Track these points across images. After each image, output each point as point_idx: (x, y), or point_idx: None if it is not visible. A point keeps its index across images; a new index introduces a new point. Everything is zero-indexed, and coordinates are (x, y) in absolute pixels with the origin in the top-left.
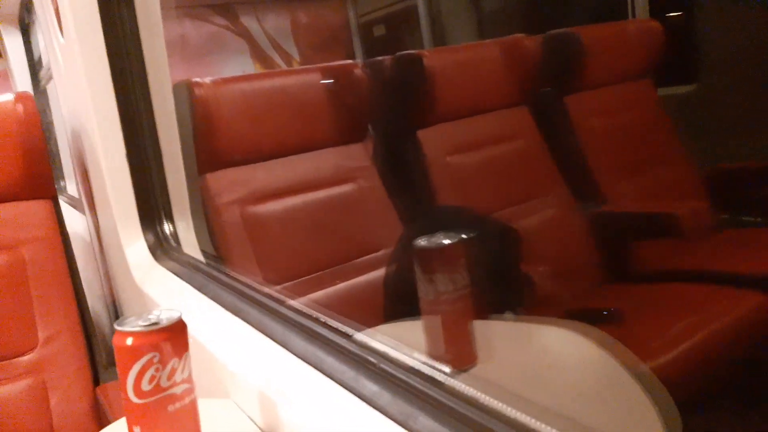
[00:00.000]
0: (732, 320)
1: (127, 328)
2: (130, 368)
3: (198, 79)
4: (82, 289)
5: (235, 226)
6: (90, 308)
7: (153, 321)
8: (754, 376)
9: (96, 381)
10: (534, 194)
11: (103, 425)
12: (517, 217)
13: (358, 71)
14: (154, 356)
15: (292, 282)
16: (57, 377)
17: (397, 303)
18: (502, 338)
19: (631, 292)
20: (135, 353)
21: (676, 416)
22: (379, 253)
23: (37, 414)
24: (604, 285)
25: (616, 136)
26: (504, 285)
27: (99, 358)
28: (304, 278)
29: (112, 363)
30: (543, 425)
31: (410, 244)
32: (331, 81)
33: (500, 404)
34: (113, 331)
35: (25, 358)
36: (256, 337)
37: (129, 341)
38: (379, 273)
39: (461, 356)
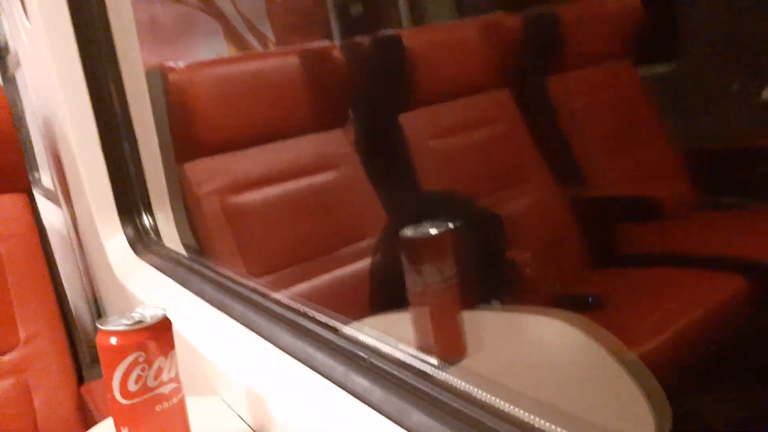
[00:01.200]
0: (716, 304)
1: (110, 327)
2: (115, 368)
3: (171, 64)
4: (62, 285)
5: (216, 216)
6: (71, 304)
7: (137, 319)
8: (740, 360)
9: (80, 379)
10: (517, 179)
11: (88, 424)
12: (500, 202)
13: (336, 53)
14: (140, 356)
15: (275, 274)
16: (40, 376)
17: (383, 294)
18: (490, 329)
19: (615, 277)
20: (120, 353)
21: (665, 402)
22: (363, 242)
23: (21, 414)
24: (588, 270)
25: (596, 117)
26: (490, 273)
27: (82, 355)
28: (287, 269)
29: (95, 360)
30: (535, 417)
31: (395, 233)
32: (309, 64)
33: (493, 398)
34: (96, 327)
35: (6, 357)
36: (243, 333)
37: (113, 341)
38: (364, 263)
39: (450, 348)
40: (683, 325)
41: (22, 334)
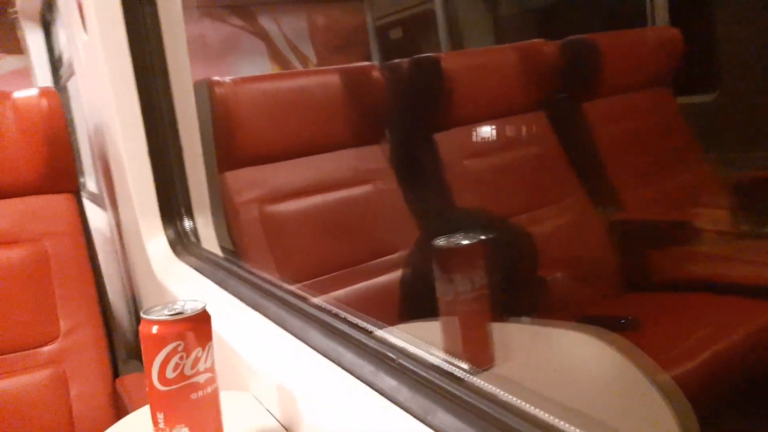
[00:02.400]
0: (751, 331)
1: (153, 317)
2: (155, 356)
3: (218, 78)
4: (103, 283)
5: (253, 224)
6: (111, 302)
7: (178, 311)
8: None
9: (116, 373)
10: (551, 200)
11: (121, 416)
12: (533, 222)
13: (376, 73)
14: (179, 345)
15: (308, 281)
16: (77, 368)
17: (412, 304)
18: (519, 341)
19: (648, 301)
20: (160, 341)
21: (696, 426)
22: (395, 255)
23: (57, 403)
24: (620, 293)
25: (634, 143)
26: (520, 289)
27: (118, 351)
28: (319, 278)
29: (131, 356)
30: (563, 423)
31: (428, 245)
32: (350, 82)
33: (520, 401)
34: (133, 325)
35: (47, 348)
36: (276, 332)
37: (155, 329)
38: (395, 275)
39: (478, 357)
40: (716, 351)
41: (62, 327)
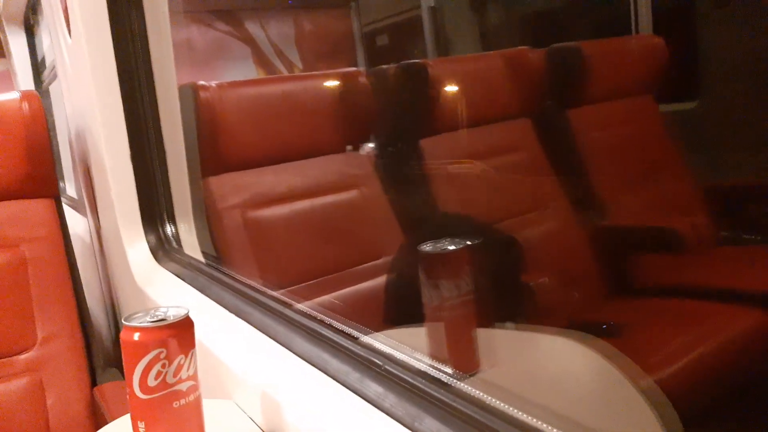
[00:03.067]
0: (732, 336)
1: (134, 324)
2: (136, 363)
3: (203, 82)
4: (82, 290)
5: (237, 230)
6: (89, 309)
7: (160, 317)
8: (755, 393)
9: (93, 382)
10: (534, 206)
11: (100, 425)
12: (517, 228)
13: (362, 79)
14: (161, 352)
15: (292, 287)
16: (54, 376)
17: (397, 310)
18: (504, 346)
19: (630, 306)
20: (142, 348)
21: (680, 428)
22: (379, 261)
23: (34, 412)
24: (602, 298)
25: (617, 150)
26: (505, 295)
27: (96, 359)
28: (303, 284)
29: (109, 364)
30: (549, 427)
31: (412, 251)
32: (336, 87)
33: (507, 406)
34: (111, 333)
35: (23, 356)
36: (259, 339)
37: (136, 336)
38: (379, 281)
39: (464, 363)
40: (698, 356)
41: (39, 335)
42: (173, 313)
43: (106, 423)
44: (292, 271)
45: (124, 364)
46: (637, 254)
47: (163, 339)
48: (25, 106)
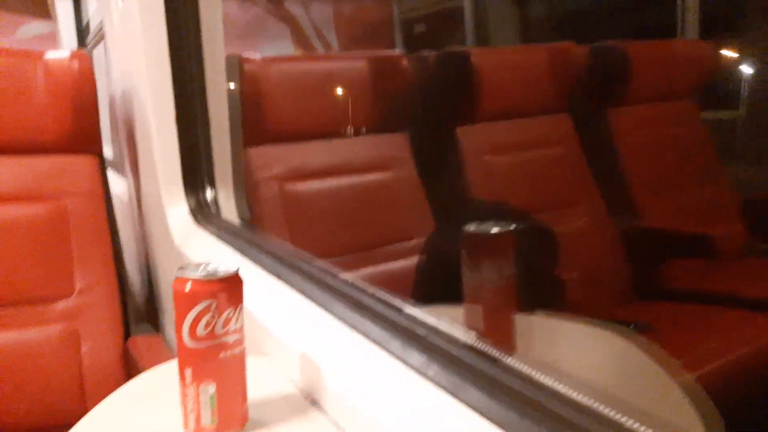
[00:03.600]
0: (761, 346)
1: (187, 275)
2: (187, 313)
3: (249, 55)
4: (120, 246)
5: (273, 200)
6: (125, 265)
7: (211, 271)
8: None
9: (127, 334)
10: (568, 202)
11: (132, 376)
12: (551, 221)
13: (404, 62)
14: (212, 303)
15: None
16: (89, 326)
17: (429, 290)
18: (541, 333)
19: (658, 309)
20: (193, 299)
21: (720, 426)
22: (410, 242)
23: (68, 359)
24: (631, 300)
25: (656, 153)
26: (539, 283)
27: (130, 314)
28: (334, 259)
29: (142, 319)
30: (597, 404)
31: (448, 233)
32: (378, 69)
33: (553, 381)
34: (145, 289)
35: (60, 304)
36: (299, 301)
37: (188, 287)
38: (409, 262)
39: (500, 345)
40: (725, 362)
41: (77, 285)
42: (224, 269)
43: (139, 373)
44: (323, 246)
45: (175, 313)
46: (669, 258)
47: (213, 291)
48: (75, 64)
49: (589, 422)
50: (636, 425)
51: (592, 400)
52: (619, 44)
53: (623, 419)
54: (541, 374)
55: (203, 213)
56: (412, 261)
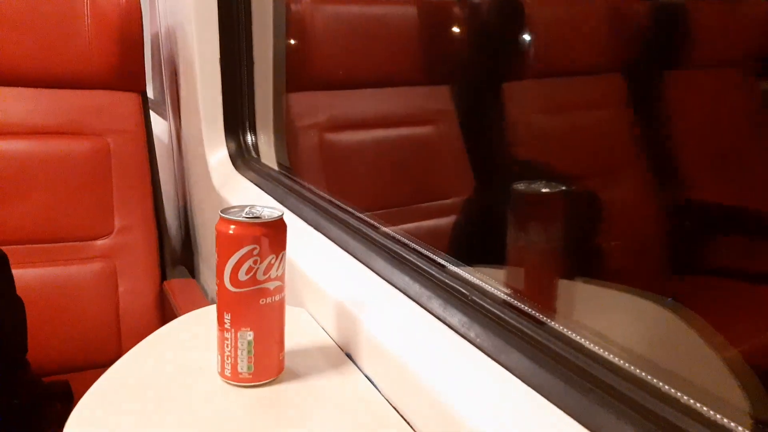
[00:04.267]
0: None
1: (232, 217)
2: (230, 256)
3: None
4: (160, 186)
5: (312, 149)
6: (164, 207)
7: (256, 215)
8: None
9: (163, 276)
10: (613, 167)
11: (167, 317)
12: (595, 187)
13: (456, 9)
14: (255, 248)
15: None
16: (127, 265)
17: (464, 250)
18: (583, 299)
19: (697, 286)
20: (237, 242)
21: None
22: (448, 201)
23: (106, 296)
24: (670, 274)
25: (711, 123)
26: (582, 249)
27: (167, 256)
28: (369, 213)
29: (178, 262)
30: (642, 372)
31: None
32: (428, 16)
33: (601, 350)
34: (181, 233)
35: (100, 242)
36: (337, 253)
37: (232, 229)
38: (445, 221)
39: (542, 309)
40: (762, 343)
41: (116, 224)
42: (268, 213)
43: (174, 316)
44: (359, 198)
45: (216, 255)
46: (714, 233)
47: (257, 236)
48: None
49: (641, 395)
50: (684, 398)
51: (640, 371)
52: (684, 2)
53: (672, 391)
54: (587, 341)
55: (243, 158)
56: (446, 221)
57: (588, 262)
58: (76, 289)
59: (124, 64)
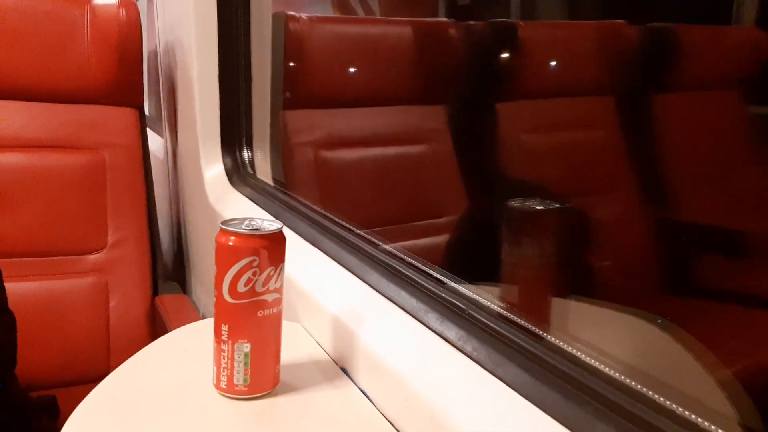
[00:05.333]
0: None
1: (232, 228)
2: (229, 268)
3: (294, 13)
4: (154, 202)
5: (307, 166)
6: (158, 222)
7: (255, 227)
8: None
9: (155, 291)
10: (603, 188)
11: (158, 333)
12: (585, 206)
13: (451, 31)
14: (254, 260)
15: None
16: (119, 280)
17: (459, 268)
18: (576, 315)
19: (686, 306)
20: (236, 254)
21: (759, 423)
22: (441, 220)
23: (96, 311)
24: (658, 294)
25: (698, 144)
26: (573, 268)
27: (159, 271)
28: (363, 231)
29: (170, 277)
30: (640, 386)
31: (483, 211)
32: (423, 37)
33: (598, 363)
34: (174, 248)
35: (93, 257)
36: (333, 267)
37: (232, 241)
38: (437, 240)
39: (537, 324)
40: (750, 364)
41: (110, 239)
42: (268, 226)
43: (166, 331)
44: (354, 216)
45: (216, 266)
46: (705, 255)
47: (256, 248)
48: (123, 12)
49: (640, 409)
50: (680, 409)
51: (638, 384)
52: (673, 27)
53: (668, 403)
54: (585, 355)
55: (239, 174)
56: (439, 240)
57: (581, 278)
58: (67, 304)
59: (123, 79)
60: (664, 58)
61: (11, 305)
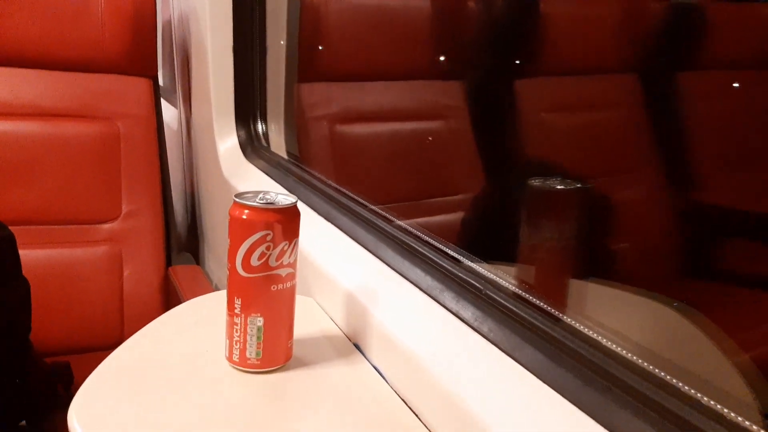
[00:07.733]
0: None
1: (246, 202)
2: (242, 242)
3: None
4: (168, 172)
5: (322, 140)
6: (171, 193)
7: (270, 200)
8: None
9: (168, 262)
10: (625, 168)
11: (172, 303)
12: (605, 187)
13: (471, 3)
14: (268, 234)
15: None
16: (133, 250)
17: (475, 246)
18: (594, 298)
19: (706, 290)
20: (250, 227)
21: None
22: (457, 197)
23: (110, 280)
24: (679, 277)
25: (725, 125)
26: (592, 249)
27: (172, 242)
28: (377, 206)
29: (183, 248)
30: (656, 370)
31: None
32: (443, 10)
33: (616, 346)
34: (188, 219)
35: (107, 226)
36: (347, 243)
37: (246, 214)
38: (454, 217)
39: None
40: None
41: (124, 208)
42: (282, 200)
43: (179, 302)
44: (368, 191)
45: (229, 239)
46: (728, 238)
47: (271, 222)
48: None
49: (660, 395)
50: (699, 395)
51: (658, 369)
52: (703, 3)
53: (691, 391)
54: (603, 338)
55: (252, 146)
56: (454, 217)
57: (600, 260)
58: (81, 272)
59: (137, 49)
60: (692, 33)
61: (26, 272)
